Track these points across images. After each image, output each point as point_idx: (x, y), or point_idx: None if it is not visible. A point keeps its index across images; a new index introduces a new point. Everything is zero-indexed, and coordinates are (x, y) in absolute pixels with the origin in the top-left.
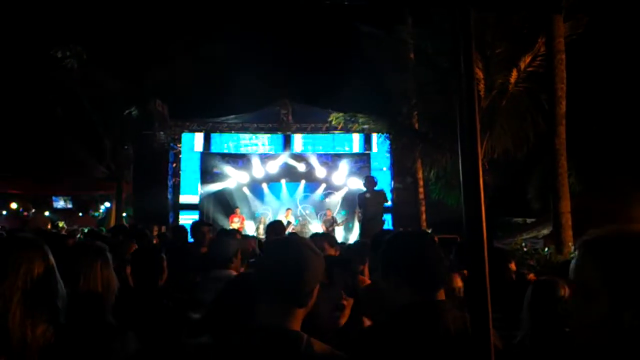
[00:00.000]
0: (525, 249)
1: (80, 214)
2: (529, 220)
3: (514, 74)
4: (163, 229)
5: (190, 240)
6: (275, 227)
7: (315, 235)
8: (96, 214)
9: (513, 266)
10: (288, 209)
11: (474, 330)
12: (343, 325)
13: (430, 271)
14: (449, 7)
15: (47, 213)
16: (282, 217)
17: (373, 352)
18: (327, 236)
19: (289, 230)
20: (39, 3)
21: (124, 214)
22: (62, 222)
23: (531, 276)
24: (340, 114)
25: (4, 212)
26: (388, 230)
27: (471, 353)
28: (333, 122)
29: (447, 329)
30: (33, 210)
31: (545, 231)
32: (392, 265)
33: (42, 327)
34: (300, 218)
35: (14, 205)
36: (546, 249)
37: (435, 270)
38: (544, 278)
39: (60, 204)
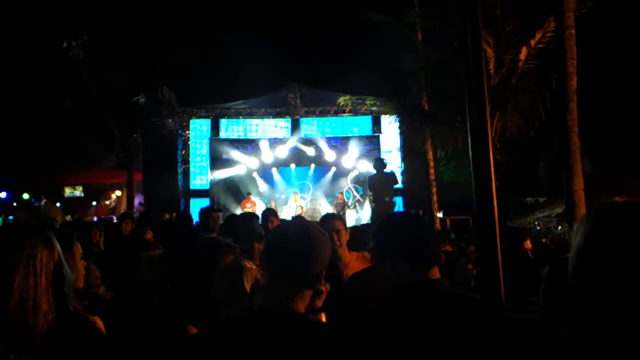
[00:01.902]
0: (538, 228)
1: (93, 204)
2: (541, 200)
3: (524, 50)
4: (174, 215)
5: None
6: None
7: (327, 215)
8: (106, 202)
9: (528, 244)
10: (295, 192)
11: (488, 308)
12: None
13: (422, 249)
14: None
15: (58, 204)
16: (291, 201)
17: (370, 335)
18: (339, 217)
19: (299, 213)
20: None
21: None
22: (69, 216)
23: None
24: (348, 96)
25: (15, 204)
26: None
27: (471, 331)
28: (341, 104)
29: (444, 307)
30: (44, 201)
31: (559, 210)
32: (384, 246)
33: (44, 312)
34: (311, 202)
35: (25, 196)
36: (559, 227)
37: (427, 248)
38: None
39: (73, 193)
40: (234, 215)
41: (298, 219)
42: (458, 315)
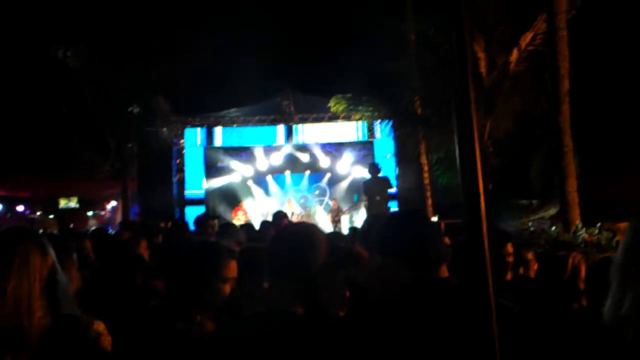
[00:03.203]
0: (532, 229)
1: (89, 214)
2: (534, 202)
3: (515, 52)
4: (169, 224)
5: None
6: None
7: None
8: (102, 212)
9: (510, 248)
10: (289, 200)
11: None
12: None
13: (429, 249)
14: None
15: (51, 216)
16: (286, 209)
17: (378, 330)
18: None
19: (293, 220)
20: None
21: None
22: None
23: (529, 255)
24: (341, 99)
25: (8, 215)
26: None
27: (475, 329)
28: (332, 108)
29: (451, 306)
30: (39, 213)
31: (552, 211)
32: (391, 245)
33: (39, 315)
34: (306, 208)
35: (20, 208)
36: (553, 228)
37: (433, 248)
38: (555, 253)
39: (68, 204)
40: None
41: (300, 223)
42: (460, 312)
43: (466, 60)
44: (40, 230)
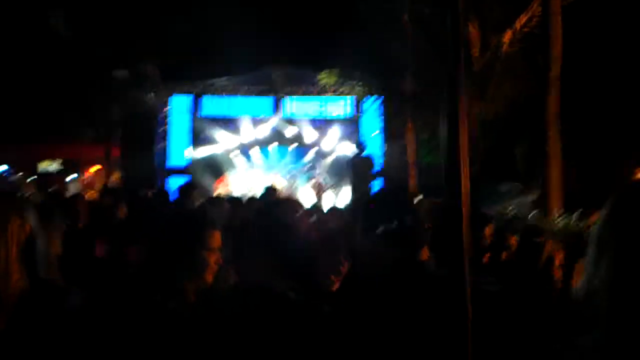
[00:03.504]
0: (513, 214)
1: (68, 179)
2: (517, 186)
3: (509, 34)
4: (151, 193)
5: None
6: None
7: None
8: (83, 177)
9: (487, 231)
10: (276, 173)
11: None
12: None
13: (410, 230)
14: None
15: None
16: (271, 182)
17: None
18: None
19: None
20: None
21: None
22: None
23: (512, 239)
24: (332, 72)
25: None
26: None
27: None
28: (322, 81)
29: (426, 290)
30: (19, 174)
31: (534, 197)
32: (372, 223)
33: (16, 278)
34: (289, 182)
35: (1, 168)
36: (532, 213)
37: (415, 228)
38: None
39: (49, 167)
40: None
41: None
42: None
43: (460, 43)
44: (23, 194)
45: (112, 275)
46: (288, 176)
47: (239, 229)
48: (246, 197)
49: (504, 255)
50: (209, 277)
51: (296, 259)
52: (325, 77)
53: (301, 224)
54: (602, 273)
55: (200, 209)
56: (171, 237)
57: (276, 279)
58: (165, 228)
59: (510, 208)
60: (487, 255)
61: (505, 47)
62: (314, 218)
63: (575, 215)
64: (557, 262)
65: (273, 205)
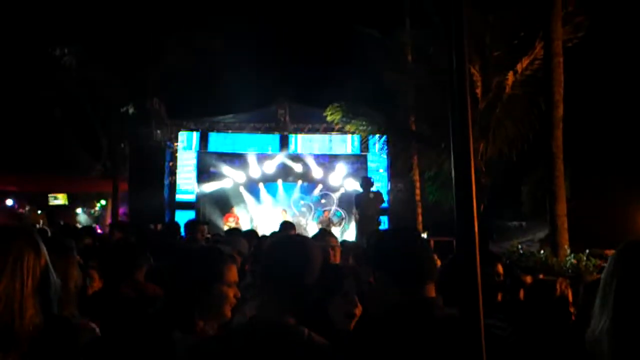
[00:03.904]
0: (521, 252)
1: (78, 211)
2: (523, 224)
3: (511, 76)
4: (158, 227)
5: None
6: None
7: (321, 231)
8: (92, 211)
9: (500, 269)
10: (283, 209)
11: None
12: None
13: (417, 267)
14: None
15: (39, 211)
16: (279, 217)
17: (366, 348)
18: (329, 232)
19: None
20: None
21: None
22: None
23: (528, 278)
24: (337, 108)
25: None
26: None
27: (461, 350)
28: (328, 118)
29: (437, 326)
30: (28, 208)
31: (541, 234)
32: (379, 262)
33: (30, 314)
34: (296, 219)
35: (9, 202)
36: (542, 252)
37: (421, 266)
38: (541, 278)
39: (56, 201)
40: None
41: (295, 235)
42: (444, 337)
43: (465, 82)
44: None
45: (127, 310)
46: (296, 212)
47: (255, 263)
48: (258, 232)
49: (521, 293)
50: (228, 312)
51: (310, 295)
52: (330, 114)
53: (317, 260)
54: (604, 322)
55: (214, 244)
56: (189, 273)
57: (292, 315)
58: (182, 264)
59: (519, 246)
60: (499, 293)
61: (507, 89)
62: (326, 253)
63: (584, 254)
64: (570, 300)
65: (289, 240)
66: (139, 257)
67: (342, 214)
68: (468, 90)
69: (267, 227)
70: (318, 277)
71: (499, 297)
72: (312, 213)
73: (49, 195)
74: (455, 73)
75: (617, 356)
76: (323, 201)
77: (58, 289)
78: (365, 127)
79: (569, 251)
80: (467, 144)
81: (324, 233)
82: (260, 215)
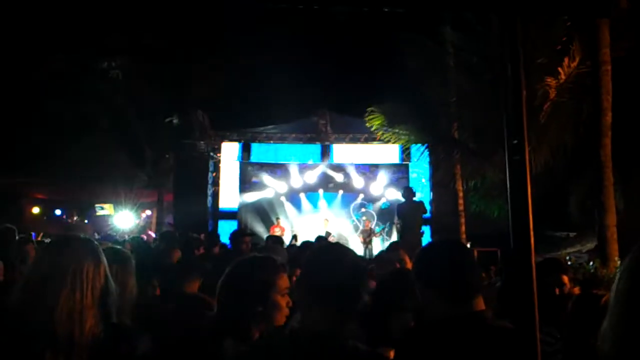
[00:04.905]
0: (570, 263)
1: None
2: (571, 235)
3: (556, 84)
4: (202, 236)
5: None
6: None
7: (393, 244)
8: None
9: (566, 279)
10: (325, 219)
11: (522, 344)
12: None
13: (465, 280)
14: (495, 15)
15: (86, 221)
16: (321, 227)
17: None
18: (400, 246)
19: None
20: (83, 15)
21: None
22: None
23: (576, 290)
24: (377, 113)
25: (45, 218)
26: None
27: None
28: (367, 123)
29: (490, 338)
30: (76, 218)
31: (590, 245)
32: (426, 276)
33: (90, 324)
34: (341, 228)
35: (58, 212)
36: (591, 263)
37: (469, 279)
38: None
39: (103, 212)
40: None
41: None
42: (498, 350)
43: (521, 93)
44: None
45: (181, 320)
46: (339, 221)
47: (302, 272)
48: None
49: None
50: (282, 320)
51: (356, 305)
52: (371, 122)
53: (359, 269)
54: (612, 321)
55: (266, 253)
56: (245, 283)
57: (338, 325)
58: (237, 274)
59: (567, 257)
60: (564, 303)
61: (553, 96)
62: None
63: None
64: None
65: (331, 248)
66: (194, 270)
67: (382, 228)
68: (525, 100)
69: (308, 236)
70: (382, 290)
71: (563, 308)
72: (374, 221)
73: (96, 205)
74: (510, 81)
75: (617, 356)
76: (365, 211)
77: (116, 298)
78: (406, 136)
79: (619, 263)
80: (523, 155)
81: (395, 246)
82: (301, 225)
